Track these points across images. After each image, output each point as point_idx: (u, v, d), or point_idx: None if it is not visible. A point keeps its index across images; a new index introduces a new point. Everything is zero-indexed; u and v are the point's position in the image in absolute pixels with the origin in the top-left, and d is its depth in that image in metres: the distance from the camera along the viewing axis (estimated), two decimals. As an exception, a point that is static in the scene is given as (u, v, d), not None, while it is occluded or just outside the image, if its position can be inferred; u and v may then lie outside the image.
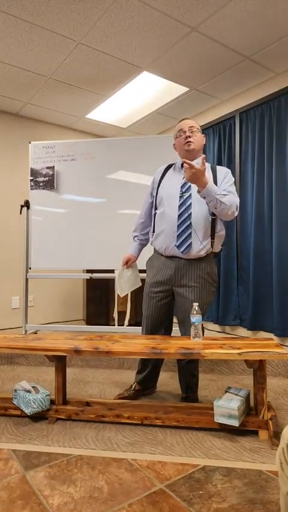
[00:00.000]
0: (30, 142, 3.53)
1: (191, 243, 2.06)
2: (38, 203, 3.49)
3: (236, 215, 2.08)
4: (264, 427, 1.82)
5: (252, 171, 3.49)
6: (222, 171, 2.19)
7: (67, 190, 3.46)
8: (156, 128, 4.46)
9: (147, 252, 2.42)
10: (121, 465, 1.59)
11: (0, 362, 3.09)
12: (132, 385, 2.37)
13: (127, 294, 3.16)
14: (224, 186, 2.09)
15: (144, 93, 3.59)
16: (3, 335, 2.34)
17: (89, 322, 4.11)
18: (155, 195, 2.25)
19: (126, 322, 3.82)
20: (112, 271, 3.63)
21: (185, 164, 1.91)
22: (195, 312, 2.02)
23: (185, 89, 3.53)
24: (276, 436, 1.76)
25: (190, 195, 2.10)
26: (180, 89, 3.54)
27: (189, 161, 1.92)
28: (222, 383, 2.62)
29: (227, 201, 1.98)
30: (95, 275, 3.48)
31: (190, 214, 2.08)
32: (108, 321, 3.94)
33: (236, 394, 1.91)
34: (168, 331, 2.33)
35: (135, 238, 2.43)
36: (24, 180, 3.98)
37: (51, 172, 3.45)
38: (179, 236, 2.08)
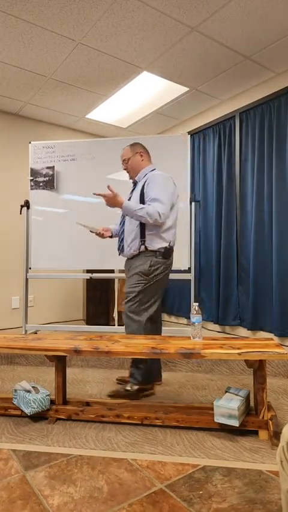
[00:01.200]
0: (30, 142, 3.53)
1: (122, 246, 2.51)
2: (38, 203, 3.49)
3: (160, 221, 2.33)
4: (264, 427, 1.82)
5: (252, 171, 3.49)
6: (146, 177, 2.46)
7: (67, 190, 3.46)
8: (156, 128, 4.46)
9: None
10: (121, 465, 1.59)
11: (0, 362, 3.09)
12: (149, 389, 2.40)
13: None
14: (149, 193, 2.39)
15: (144, 93, 3.59)
16: (3, 335, 2.34)
17: (89, 322, 4.10)
18: None
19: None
20: (112, 271, 3.63)
21: (101, 196, 2.36)
22: (195, 312, 2.02)
23: (185, 89, 3.54)
24: (276, 436, 1.76)
25: None
26: (180, 89, 3.54)
27: (98, 192, 2.37)
28: (222, 383, 2.62)
29: (144, 214, 2.29)
30: (95, 275, 3.48)
31: (124, 222, 2.53)
32: (108, 321, 3.94)
33: (236, 394, 1.91)
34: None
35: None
36: (24, 180, 3.98)
37: (51, 172, 3.45)
38: (118, 240, 2.56)
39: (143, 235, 2.40)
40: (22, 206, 3.49)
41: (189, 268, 3.28)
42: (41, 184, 3.48)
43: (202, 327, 2.11)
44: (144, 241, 2.39)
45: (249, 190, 3.54)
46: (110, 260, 3.33)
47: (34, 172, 3.50)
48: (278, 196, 3.22)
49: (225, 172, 3.73)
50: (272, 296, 3.26)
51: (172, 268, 3.32)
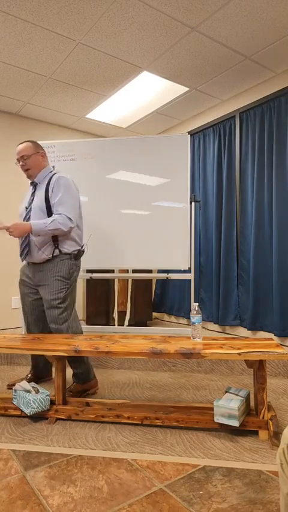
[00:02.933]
0: (30, 142, 3.52)
1: (29, 251, 2.37)
2: (38, 203, 3.49)
3: (71, 227, 2.31)
4: (264, 427, 1.82)
5: (252, 171, 3.50)
6: (52, 180, 2.37)
7: (67, 190, 3.46)
8: (156, 128, 4.46)
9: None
10: (121, 465, 1.59)
11: (0, 362, 3.09)
12: (27, 375, 2.60)
13: (127, 294, 3.18)
14: (54, 199, 2.34)
15: (144, 93, 3.59)
16: (3, 335, 2.34)
17: (89, 322, 4.10)
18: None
19: (126, 322, 3.83)
20: (112, 271, 3.63)
21: (4, 230, 2.26)
22: (195, 312, 2.02)
23: (185, 89, 3.54)
24: (276, 436, 1.76)
25: (30, 209, 2.38)
26: (180, 89, 3.54)
27: (2, 229, 2.25)
28: (222, 383, 2.62)
29: (56, 226, 2.25)
30: (95, 275, 3.48)
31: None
32: (108, 321, 3.93)
33: (236, 394, 1.91)
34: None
35: None
36: (25, 179, 3.98)
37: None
38: (20, 246, 2.40)
39: (55, 239, 2.34)
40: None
41: (189, 268, 3.28)
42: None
43: (202, 327, 2.11)
44: (58, 244, 2.35)
45: (249, 190, 3.54)
46: (110, 260, 3.33)
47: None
48: (278, 196, 3.22)
49: (225, 172, 3.73)
50: (272, 296, 3.26)
51: (172, 268, 3.34)
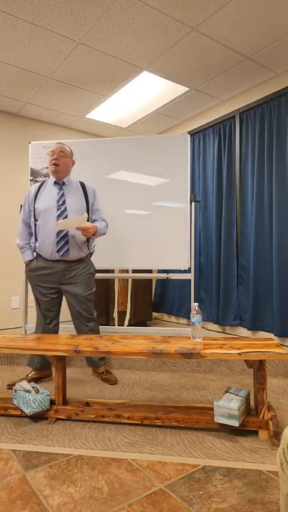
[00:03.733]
0: (30, 142, 3.52)
1: (68, 248, 2.47)
2: (38, 203, 3.49)
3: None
4: (264, 427, 1.82)
5: (252, 171, 3.50)
6: (91, 190, 2.66)
7: (67, 190, 3.46)
8: (156, 128, 4.46)
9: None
10: (121, 465, 1.59)
11: (0, 362, 3.09)
12: (27, 374, 2.61)
13: (127, 294, 3.19)
14: (96, 206, 2.66)
15: (144, 93, 3.59)
16: (3, 335, 2.34)
17: (89, 322, 4.10)
18: (33, 208, 2.55)
19: (126, 322, 3.83)
20: (112, 271, 3.63)
21: (81, 230, 2.41)
22: (195, 312, 2.02)
23: (185, 89, 3.54)
24: (276, 436, 1.76)
25: (65, 208, 2.50)
26: (180, 89, 3.54)
27: (82, 226, 2.39)
28: (222, 383, 2.62)
29: (105, 231, 2.64)
30: (95, 275, 3.48)
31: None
32: (108, 321, 3.93)
33: (236, 394, 1.91)
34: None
35: (27, 245, 2.61)
36: (24, 179, 3.99)
37: (51, 172, 3.45)
38: (58, 243, 2.46)
39: (88, 239, 2.59)
40: (22, 206, 3.49)
41: (189, 268, 3.28)
42: (41, 184, 3.47)
43: (202, 327, 2.11)
44: (89, 245, 2.61)
45: (249, 190, 3.54)
46: (110, 260, 3.33)
47: (34, 172, 3.49)
48: (278, 196, 3.22)
49: (225, 172, 3.73)
50: (272, 296, 3.26)
51: (172, 268, 3.34)
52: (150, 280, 4.22)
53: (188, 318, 4.10)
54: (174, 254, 3.31)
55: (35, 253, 2.56)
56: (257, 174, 3.42)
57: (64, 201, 2.51)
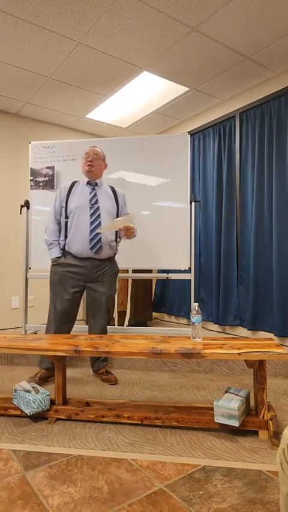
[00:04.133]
0: (30, 142, 3.52)
1: (101, 246, 2.52)
2: (38, 203, 3.49)
3: None
4: (264, 427, 1.82)
5: (252, 171, 3.50)
6: (120, 194, 2.73)
7: (67, 190, 3.46)
8: (156, 128, 4.46)
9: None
10: (121, 465, 1.59)
11: (0, 362, 3.09)
12: (36, 373, 2.59)
13: (127, 294, 3.19)
14: (126, 210, 2.74)
15: (144, 93, 3.59)
16: (3, 335, 2.34)
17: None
18: (64, 206, 2.59)
19: (126, 322, 3.83)
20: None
21: (123, 230, 2.52)
22: (195, 312, 2.02)
23: (185, 89, 3.54)
24: (276, 436, 1.76)
25: (98, 207, 2.56)
26: (180, 89, 3.54)
27: (128, 226, 2.50)
28: (222, 383, 2.62)
29: (136, 233, 2.65)
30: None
31: (100, 222, 2.54)
32: (108, 321, 3.93)
33: (236, 394, 1.91)
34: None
35: (56, 242, 2.64)
36: (24, 180, 3.98)
37: (51, 172, 3.45)
38: (91, 240, 2.51)
39: (116, 239, 2.66)
40: (22, 206, 3.49)
41: (189, 268, 3.28)
42: (41, 184, 3.48)
43: (202, 327, 2.11)
44: (116, 245, 2.67)
45: (249, 190, 3.54)
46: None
47: (34, 172, 3.49)
48: (278, 196, 3.22)
49: (225, 172, 3.73)
50: (272, 296, 3.26)
51: (172, 268, 3.34)
52: (150, 280, 4.22)
53: (188, 318, 4.10)
54: (174, 254, 3.31)
55: (61, 251, 2.60)
56: (257, 174, 3.42)
57: (97, 200, 2.57)
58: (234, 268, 3.63)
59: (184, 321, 4.25)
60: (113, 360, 2.98)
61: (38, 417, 2.03)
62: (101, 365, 2.68)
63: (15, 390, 2.09)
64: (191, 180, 4.06)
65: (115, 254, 2.70)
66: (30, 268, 3.50)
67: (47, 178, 3.47)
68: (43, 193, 3.48)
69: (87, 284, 2.58)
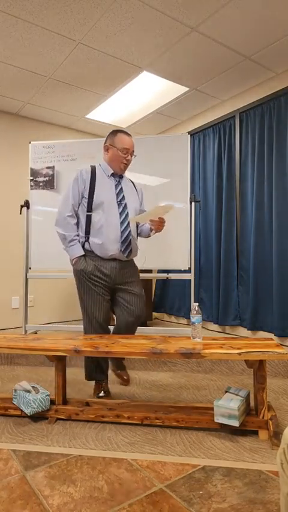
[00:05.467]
0: (30, 142, 3.53)
1: (131, 248, 2.33)
2: (38, 203, 3.49)
3: None
4: (264, 427, 1.82)
5: (252, 170, 3.50)
6: (139, 186, 2.54)
7: (67, 190, 3.46)
8: (156, 128, 4.46)
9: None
10: (121, 465, 1.59)
11: (0, 362, 3.09)
12: (105, 391, 2.32)
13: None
14: (143, 207, 2.52)
15: (144, 93, 3.59)
16: (3, 335, 2.34)
17: (89, 322, 4.10)
18: (87, 197, 2.26)
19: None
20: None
21: (157, 222, 2.27)
22: (195, 312, 2.02)
23: (185, 89, 3.54)
24: (276, 436, 1.76)
25: (126, 204, 2.33)
26: (180, 89, 3.54)
27: (162, 219, 2.28)
28: (222, 383, 2.62)
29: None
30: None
31: (128, 223, 2.32)
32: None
33: (236, 394, 1.91)
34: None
35: (77, 238, 2.31)
36: (24, 180, 3.98)
37: (51, 172, 3.45)
38: (123, 242, 2.28)
39: (137, 236, 2.49)
40: (22, 206, 3.49)
41: (189, 268, 3.28)
42: (41, 184, 3.48)
43: (202, 327, 2.11)
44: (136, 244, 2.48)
45: (249, 190, 3.54)
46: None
47: (34, 172, 3.50)
48: (278, 196, 3.22)
49: (225, 172, 3.73)
50: (272, 296, 3.26)
51: (172, 268, 3.34)
52: (150, 280, 4.22)
53: (188, 318, 4.09)
54: (174, 254, 3.31)
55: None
56: (257, 174, 3.42)
57: (123, 196, 2.32)
58: (234, 268, 3.63)
59: (184, 321, 4.25)
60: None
61: (38, 417, 2.03)
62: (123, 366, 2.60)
63: (15, 390, 2.09)
64: (191, 180, 4.06)
65: None
66: (30, 268, 3.50)
67: (47, 178, 3.47)
68: (43, 193, 3.48)
69: (116, 286, 2.33)
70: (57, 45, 2.83)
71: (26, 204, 3.49)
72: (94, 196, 2.24)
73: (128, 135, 2.35)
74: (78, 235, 2.29)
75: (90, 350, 1.92)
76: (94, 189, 2.26)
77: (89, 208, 2.24)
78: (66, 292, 4.45)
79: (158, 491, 1.41)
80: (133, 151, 2.35)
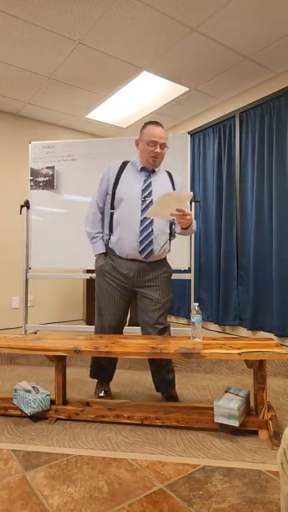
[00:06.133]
0: (30, 142, 3.52)
1: (152, 249, 2.11)
2: (38, 203, 3.49)
3: None
4: (264, 427, 1.82)
5: (252, 170, 3.50)
6: (178, 180, 2.27)
7: (67, 190, 3.46)
8: (156, 128, 4.46)
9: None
10: (121, 465, 1.59)
11: (0, 362, 3.09)
12: (102, 389, 2.30)
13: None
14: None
15: (144, 93, 3.59)
16: (3, 335, 2.34)
17: (89, 322, 4.10)
18: (111, 193, 2.18)
19: (126, 322, 3.82)
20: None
21: (178, 214, 1.97)
22: (195, 312, 2.02)
23: (185, 89, 3.54)
24: (276, 436, 1.76)
25: (152, 200, 2.12)
26: (180, 89, 3.54)
27: (183, 210, 1.97)
28: (222, 383, 2.62)
29: (195, 229, 2.24)
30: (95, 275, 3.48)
31: (152, 220, 2.11)
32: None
33: (236, 394, 1.91)
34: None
35: (99, 235, 2.25)
36: (24, 180, 3.98)
37: (51, 172, 3.45)
38: (141, 242, 2.10)
39: (170, 237, 2.23)
40: (22, 206, 3.49)
41: (189, 268, 3.28)
42: (41, 184, 3.48)
43: (202, 327, 2.11)
44: (169, 244, 2.25)
45: (249, 190, 3.54)
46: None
47: (34, 172, 3.50)
48: (278, 196, 3.22)
49: (225, 172, 3.73)
50: (272, 296, 3.26)
51: (172, 268, 3.34)
52: (150, 280, 4.22)
53: (188, 318, 4.10)
54: (174, 254, 3.31)
55: (105, 247, 2.23)
56: (257, 174, 3.42)
57: (151, 192, 2.13)
58: (234, 268, 3.63)
59: (184, 321, 4.25)
60: (113, 360, 2.97)
61: (38, 417, 2.03)
62: (169, 389, 2.26)
63: (15, 390, 2.09)
64: (191, 180, 4.06)
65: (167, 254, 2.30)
66: (30, 268, 3.50)
67: (47, 178, 3.47)
68: (43, 194, 3.48)
69: (137, 289, 2.19)
70: (57, 45, 2.83)
71: (26, 204, 3.49)
72: (116, 193, 2.15)
73: (157, 125, 2.14)
74: (101, 233, 2.23)
75: (90, 350, 1.92)
76: (117, 185, 2.16)
77: (112, 206, 2.17)
78: (66, 292, 4.45)
79: (158, 491, 1.41)
80: (163, 143, 2.13)
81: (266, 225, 3.36)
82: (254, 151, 3.46)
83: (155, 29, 2.65)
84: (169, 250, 2.26)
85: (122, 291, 2.19)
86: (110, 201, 2.18)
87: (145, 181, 2.16)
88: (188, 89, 3.53)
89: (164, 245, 2.17)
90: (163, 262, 2.23)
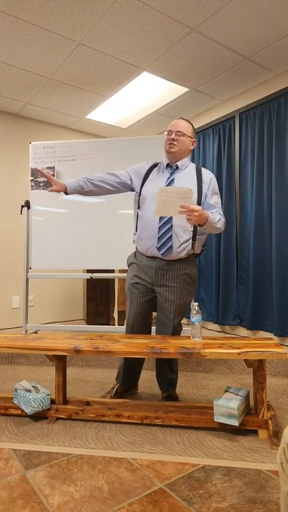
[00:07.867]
0: (30, 143, 3.53)
1: (171, 246, 2.07)
2: (38, 203, 3.50)
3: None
4: (264, 426, 1.82)
5: (251, 171, 3.50)
6: (208, 176, 2.19)
7: (67, 190, 3.46)
8: (156, 128, 4.47)
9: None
10: (121, 464, 1.60)
11: (0, 362, 3.10)
12: (114, 387, 2.32)
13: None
14: (212, 199, 2.15)
15: (144, 93, 3.59)
16: (4, 335, 2.34)
17: (89, 321, 4.11)
18: (138, 192, 2.20)
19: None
20: (112, 271, 3.63)
21: (185, 211, 1.90)
22: (195, 312, 2.02)
23: (185, 89, 3.54)
24: (276, 435, 1.76)
25: None
26: (180, 89, 3.54)
27: (187, 206, 1.89)
28: (222, 383, 2.62)
29: (220, 226, 2.09)
30: (95, 275, 3.49)
31: (171, 217, 2.08)
32: (108, 321, 3.94)
33: (236, 394, 1.91)
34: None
35: (83, 179, 2.23)
36: (25, 180, 3.99)
37: (51, 173, 3.46)
38: (160, 238, 2.08)
39: (194, 237, 2.13)
40: (22, 206, 3.50)
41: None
42: (41, 184, 3.48)
43: (202, 326, 2.11)
44: (195, 244, 2.14)
45: (249, 190, 3.54)
46: (110, 260, 3.33)
47: (34, 173, 3.50)
48: (277, 196, 3.22)
49: (225, 172, 3.73)
50: (272, 296, 3.26)
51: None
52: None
53: (188, 317, 4.10)
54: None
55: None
56: (256, 174, 3.42)
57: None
58: (234, 268, 3.64)
59: (184, 320, 4.25)
60: (113, 360, 2.98)
61: (39, 416, 2.03)
62: (169, 388, 2.28)
63: (16, 390, 2.09)
64: (191, 180, 4.07)
65: (195, 256, 2.20)
66: (30, 268, 3.51)
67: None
68: (43, 194, 3.49)
69: (154, 288, 2.16)
70: (57, 45, 2.83)
71: (27, 204, 3.50)
72: (142, 192, 2.17)
73: (178, 119, 2.18)
74: (88, 180, 2.22)
75: (90, 350, 1.92)
76: (144, 184, 2.18)
77: (138, 205, 2.20)
78: (67, 292, 4.46)
79: (158, 490, 1.42)
80: (179, 131, 2.11)
81: (265, 224, 3.36)
82: (254, 151, 3.47)
83: (155, 30, 2.65)
84: (194, 252, 2.15)
85: (144, 289, 2.17)
86: (137, 201, 2.21)
87: (168, 178, 2.14)
88: (188, 89, 3.53)
89: (184, 243, 2.10)
90: (185, 262, 2.14)
